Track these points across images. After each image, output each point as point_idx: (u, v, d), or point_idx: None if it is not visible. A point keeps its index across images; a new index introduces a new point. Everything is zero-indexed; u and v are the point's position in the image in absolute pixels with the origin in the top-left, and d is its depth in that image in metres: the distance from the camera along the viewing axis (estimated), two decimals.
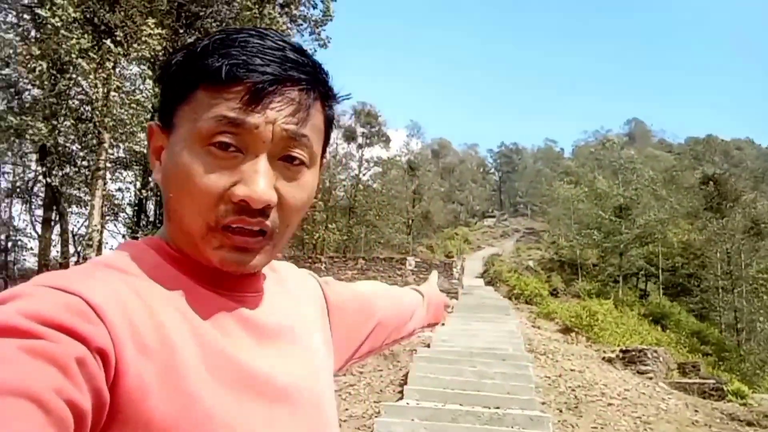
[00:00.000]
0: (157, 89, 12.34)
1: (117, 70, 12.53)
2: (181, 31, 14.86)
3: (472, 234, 51.60)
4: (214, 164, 0.58)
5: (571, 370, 9.81)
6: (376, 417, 7.28)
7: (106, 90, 11.73)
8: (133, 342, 0.51)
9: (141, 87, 13.64)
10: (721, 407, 9.10)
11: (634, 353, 11.77)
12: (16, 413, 0.41)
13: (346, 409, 7.88)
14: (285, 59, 0.60)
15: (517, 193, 74.53)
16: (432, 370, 8.81)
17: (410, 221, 35.82)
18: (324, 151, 0.67)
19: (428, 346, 10.70)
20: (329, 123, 0.66)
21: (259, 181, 0.57)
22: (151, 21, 11.81)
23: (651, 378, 10.83)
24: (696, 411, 8.77)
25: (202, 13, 15.46)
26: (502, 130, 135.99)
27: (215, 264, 0.60)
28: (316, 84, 0.62)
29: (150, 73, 13.33)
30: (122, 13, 12.13)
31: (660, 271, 30.35)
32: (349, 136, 34.54)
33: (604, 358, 11.72)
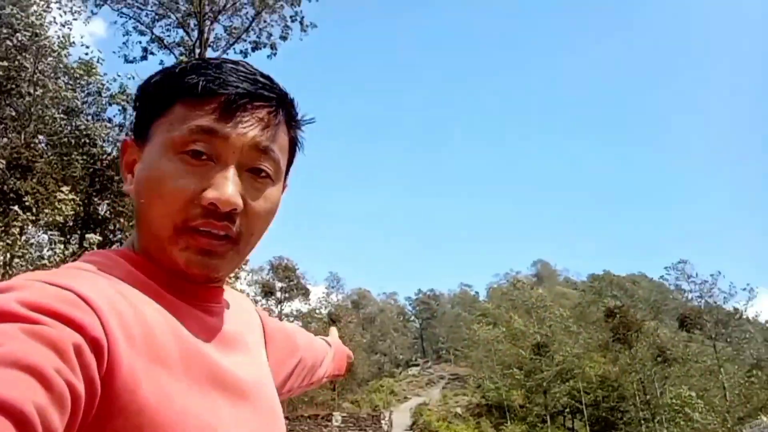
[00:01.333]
0: (66, 252, 12.04)
1: (23, 237, 12.15)
2: (95, 196, 14.85)
3: (398, 384, 50.28)
4: (187, 170, 0.62)
5: None
6: None
7: (9, 256, 11.27)
8: (123, 335, 0.53)
9: (47, 253, 13.16)
10: None
11: None
12: (22, 385, 0.42)
13: None
14: (256, 80, 0.66)
15: (439, 339, 74.39)
16: None
17: None
18: (288, 171, 0.73)
19: None
20: (294, 144, 0.72)
21: (227, 186, 0.62)
22: (65, 188, 11.82)
23: None
24: None
25: (117, 177, 15.66)
26: (419, 277, 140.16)
27: (181, 265, 0.63)
28: (283, 105, 0.68)
29: (60, 237, 13.01)
30: (34, 180, 12.10)
31: (584, 407, 30.63)
32: (268, 292, 34.14)
33: None
